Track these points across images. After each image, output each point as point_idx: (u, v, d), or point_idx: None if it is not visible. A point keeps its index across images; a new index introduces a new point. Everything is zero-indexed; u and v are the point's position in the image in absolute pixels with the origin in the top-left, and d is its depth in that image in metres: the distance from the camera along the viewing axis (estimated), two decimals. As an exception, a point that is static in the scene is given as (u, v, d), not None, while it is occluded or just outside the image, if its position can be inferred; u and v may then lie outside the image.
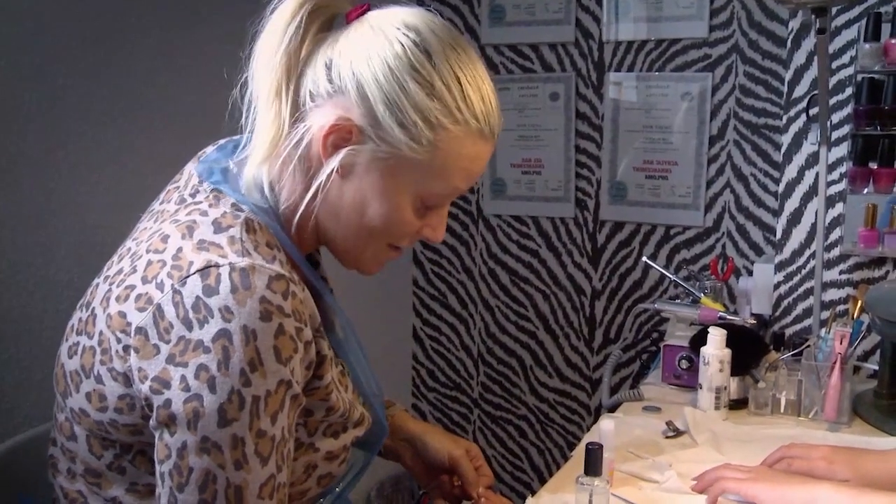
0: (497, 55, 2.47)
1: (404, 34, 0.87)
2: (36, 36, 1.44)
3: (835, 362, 1.50)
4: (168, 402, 0.80)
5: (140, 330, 0.82)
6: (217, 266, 0.82)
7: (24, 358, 1.46)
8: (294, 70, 0.89)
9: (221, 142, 1.00)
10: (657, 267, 1.91)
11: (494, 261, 2.58)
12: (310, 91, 0.89)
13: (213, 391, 0.79)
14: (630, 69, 2.31)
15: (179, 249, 0.85)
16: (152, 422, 0.83)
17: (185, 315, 0.80)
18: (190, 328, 0.80)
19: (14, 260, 1.43)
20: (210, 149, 1.00)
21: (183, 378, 0.80)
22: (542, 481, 2.63)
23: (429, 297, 2.70)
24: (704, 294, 1.77)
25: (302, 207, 0.91)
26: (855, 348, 1.56)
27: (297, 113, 0.90)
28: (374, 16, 0.90)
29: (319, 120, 0.88)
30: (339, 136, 0.88)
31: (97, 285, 0.92)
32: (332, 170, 0.89)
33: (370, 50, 0.87)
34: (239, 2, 1.81)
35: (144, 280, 0.85)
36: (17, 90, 1.42)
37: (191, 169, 0.98)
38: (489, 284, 2.60)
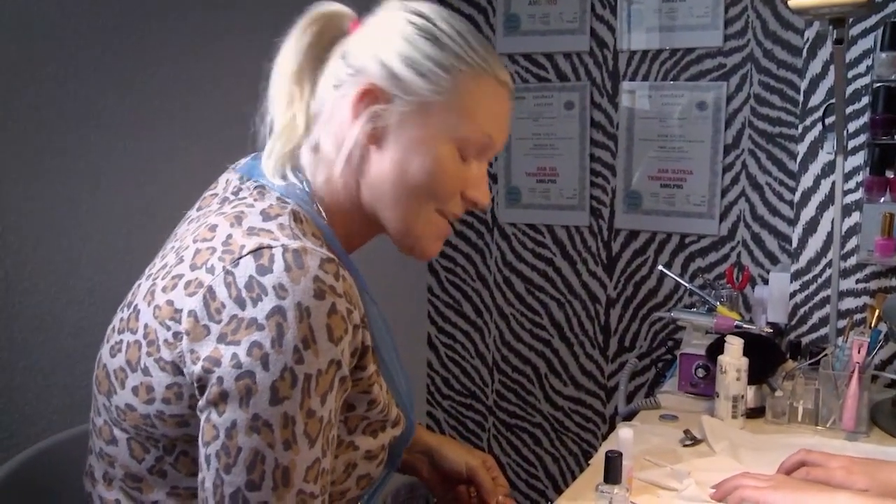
0: (512, 64, 2.48)
1: (403, 12, 0.95)
2: (54, 46, 1.46)
3: (853, 371, 1.50)
4: (220, 380, 0.81)
5: (191, 313, 0.83)
6: (270, 247, 0.84)
7: (45, 365, 1.47)
8: (305, 82, 0.96)
9: (254, 154, 1.02)
10: (672, 275, 1.92)
11: (509, 269, 2.59)
12: (333, 85, 0.95)
13: (265, 368, 0.80)
14: (645, 78, 2.32)
15: (229, 236, 0.87)
16: (201, 402, 0.83)
17: (237, 294, 0.82)
18: (243, 307, 0.81)
19: (36, 268, 1.45)
20: (244, 160, 1.02)
21: (234, 356, 0.80)
22: (557, 489, 2.63)
23: (444, 305, 2.71)
24: (720, 303, 1.78)
25: (346, 194, 0.96)
26: (873, 357, 1.56)
27: (310, 116, 0.96)
28: (372, 16, 0.98)
29: (348, 96, 0.93)
30: (368, 100, 0.93)
31: (139, 285, 0.94)
32: (361, 138, 0.93)
33: (380, 30, 0.95)
34: (262, 13, 1.84)
35: (193, 267, 0.86)
36: (39, 100, 1.44)
37: (227, 176, 1.01)
38: (504, 293, 2.61)
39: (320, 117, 0.96)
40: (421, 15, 0.95)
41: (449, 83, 0.93)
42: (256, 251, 0.84)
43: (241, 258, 0.84)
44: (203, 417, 0.83)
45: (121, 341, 0.91)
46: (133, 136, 1.61)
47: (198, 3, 1.73)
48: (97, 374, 0.95)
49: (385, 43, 0.94)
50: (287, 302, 0.81)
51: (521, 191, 2.53)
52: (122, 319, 0.93)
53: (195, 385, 0.83)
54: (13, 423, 1.43)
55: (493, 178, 2.56)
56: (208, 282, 0.84)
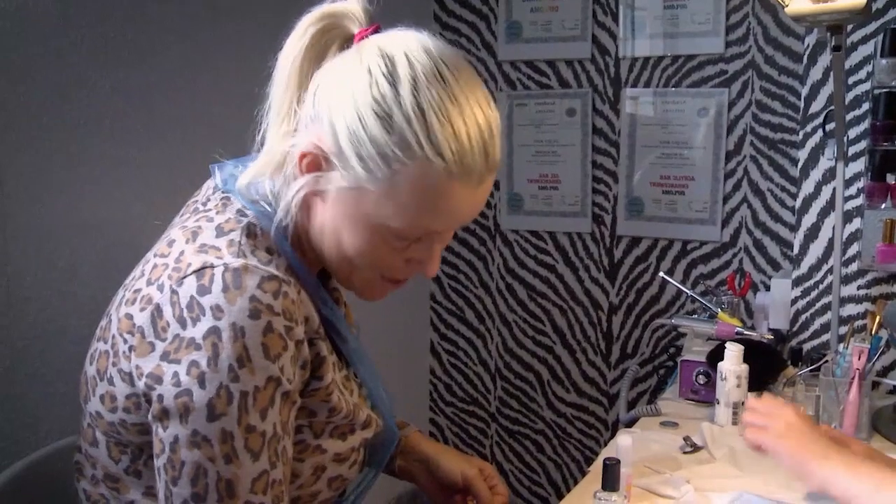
0: (514, 71, 2.48)
1: (377, 63, 0.85)
2: (56, 53, 1.46)
3: (853, 378, 1.50)
4: (161, 397, 0.83)
5: (139, 329, 0.86)
6: (212, 267, 0.86)
7: (47, 372, 1.48)
8: (300, 90, 0.91)
9: (234, 161, 1.03)
10: (674, 282, 1.91)
11: (512, 276, 2.59)
12: (305, 114, 0.91)
13: (202, 386, 0.82)
14: (646, 85, 2.32)
15: (182, 253, 0.89)
16: (149, 416, 0.86)
17: (180, 314, 0.84)
18: (184, 326, 0.84)
19: (37, 275, 1.45)
20: (227, 165, 1.03)
21: (175, 374, 0.83)
22: (560, 496, 2.62)
23: (446, 311, 2.71)
24: (721, 309, 1.78)
25: (296, 226, 0.93)
26: (874, 364, 1.55)
27: (293, 133, 0.92)
28: (368, 41, 0.89)
29: (300, 143, 0.89)
30: (311, 161, 0.89)
31: (116, 294, 0.97)
32: (298, 191, 0.90)
33: (343, 79, 0.87)
34: (262, 18, 1.84)
35: (149, 282, 0.89)
36: (39, 107, 1.44)
37: (208, 182, 1.03)
38: (506, 299, 2.61)
39: (288, 146, 0.91)
40: (389, 75, 0.84)
41: (386, 175, 0.85)
42: (200, 270, 0.86)
43: (185, 277, 0.86)
44: (153, 430, 0.86)
45: (97, 350, 0.94)
46: (136, 142, 1.61)
47: (200, 8, 1.74)
48: (80, 379, 0.98)
49: (340, 100, 0.86)
50: (222, 322, 0.82)
51: (523, 197, 2.53)
52: (100, 328, 0.96)
53: (143, 398, 0.86)
54: (14, 430, 1.43)
55: (495, 185, 2.55)
56: (156, 299, 0.86)
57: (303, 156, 0.89)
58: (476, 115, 0.86)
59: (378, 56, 0.86)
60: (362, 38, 0.90)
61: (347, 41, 0.92)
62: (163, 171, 1.67)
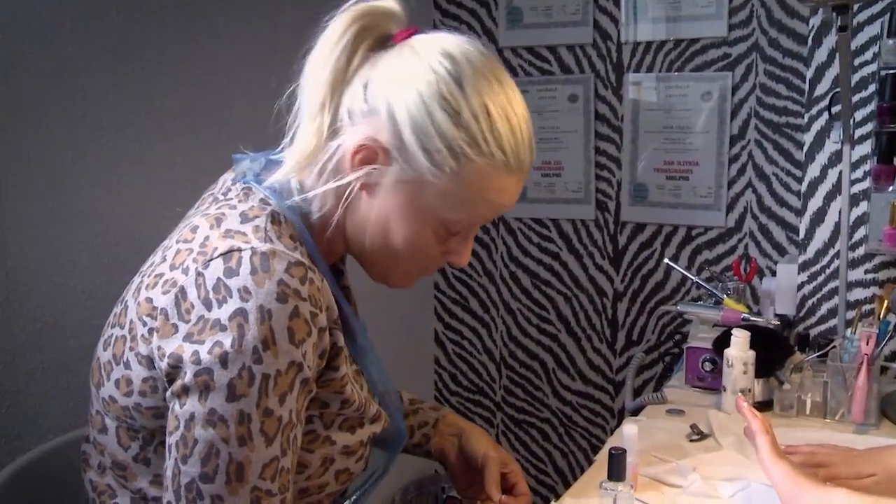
0: (515, 58, 2.46)
1: (439, 61, 0.89)
2: (55, 45, 1.45)
3: (861, 363, 1.48)
4: (183, 375, 0.84)
5: (162, 311, 0.86)
6: (240, 250, 0.86)
7: (48, 367, 1.47)
8: (339, 86, 0.92)
9: (252, 155, 1.03)
10: (679, 268, 1.90)
11: (515, 264, 2.58)
12: (348, 109, 0.92)
13: (224, 366, 0.82)
14: (649, 70, 2.30)
15: (207, 238, 0.89)
16: (168, 394, 0.86)
17: (205, 296, 0.84)
18: (210, 308, 0.83)
19: (36, 270, 1.44)
20: (244, 161, 1.03)
21: (196, 353, 0.83)
22: (566, 484, 2.62)
23: (450, 300, 2.70)
24: (727, 295, 1.76)
25: (333, 219, 0.95)
26: (882, 348, 1.54)
27: (333, 127, 0.92)
28: (417, 40, 0.92)
29: (352, 137, 0.91)
30: (367, 155, 0.91)
31: (132, 281, 0.97)
32: (354, 184, 0.92)
33: (404, 74, 0.89)
34: (262, 10, 1.83)
35: (172, 267, 0.89)
36: (37, 100, 1.43)
37: (226, 175, 1.03)
38: (510, 288, 2.60)
39: (335, 136, 0.92)
40: (454, 73, 0.88)
41: (453, 169, 0.89)
42: (227, 254, 0.86)
43: (211, 260, 0.86)
44: (170, 408, 0.86)
45: (111, 335, 0.95)
46: (134, 136, 1.60)
47: (197, 3, 1.72)
48: (92, 366, 0.98)
49: (403, 94, 0.88)
50: (250, 304, 0.82)
51: (526, 185, 2.49)
52: (115, 314, 0.96)
53: (165, 379, 0.86)
54: (16, 426, 1.42)
55: (497, 172, 2.54)
56: (181, 282, 0.86)
57: (357, 150, 0.90)
58: (523, 112, 0.94)
59: (439, 54, 0.90)
60: (405, 39, 0.92)
61: (380, 40, 0.93)
62: (162, 164, 1.66)
